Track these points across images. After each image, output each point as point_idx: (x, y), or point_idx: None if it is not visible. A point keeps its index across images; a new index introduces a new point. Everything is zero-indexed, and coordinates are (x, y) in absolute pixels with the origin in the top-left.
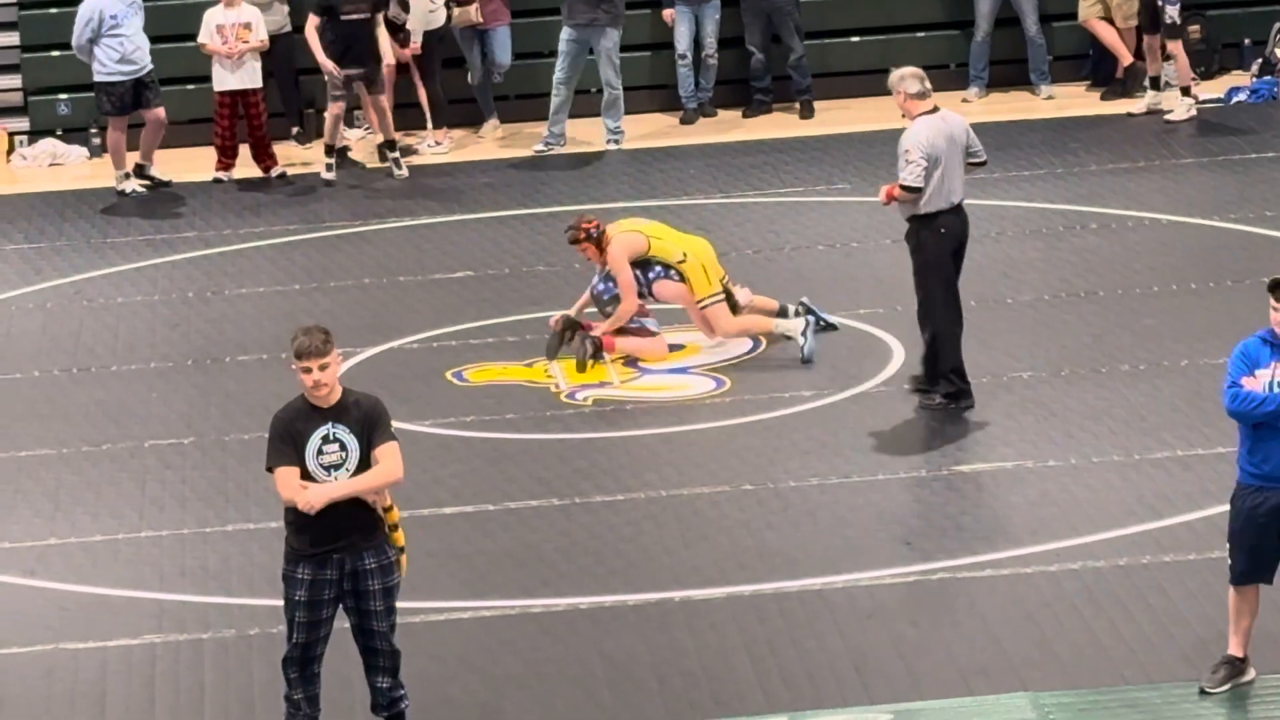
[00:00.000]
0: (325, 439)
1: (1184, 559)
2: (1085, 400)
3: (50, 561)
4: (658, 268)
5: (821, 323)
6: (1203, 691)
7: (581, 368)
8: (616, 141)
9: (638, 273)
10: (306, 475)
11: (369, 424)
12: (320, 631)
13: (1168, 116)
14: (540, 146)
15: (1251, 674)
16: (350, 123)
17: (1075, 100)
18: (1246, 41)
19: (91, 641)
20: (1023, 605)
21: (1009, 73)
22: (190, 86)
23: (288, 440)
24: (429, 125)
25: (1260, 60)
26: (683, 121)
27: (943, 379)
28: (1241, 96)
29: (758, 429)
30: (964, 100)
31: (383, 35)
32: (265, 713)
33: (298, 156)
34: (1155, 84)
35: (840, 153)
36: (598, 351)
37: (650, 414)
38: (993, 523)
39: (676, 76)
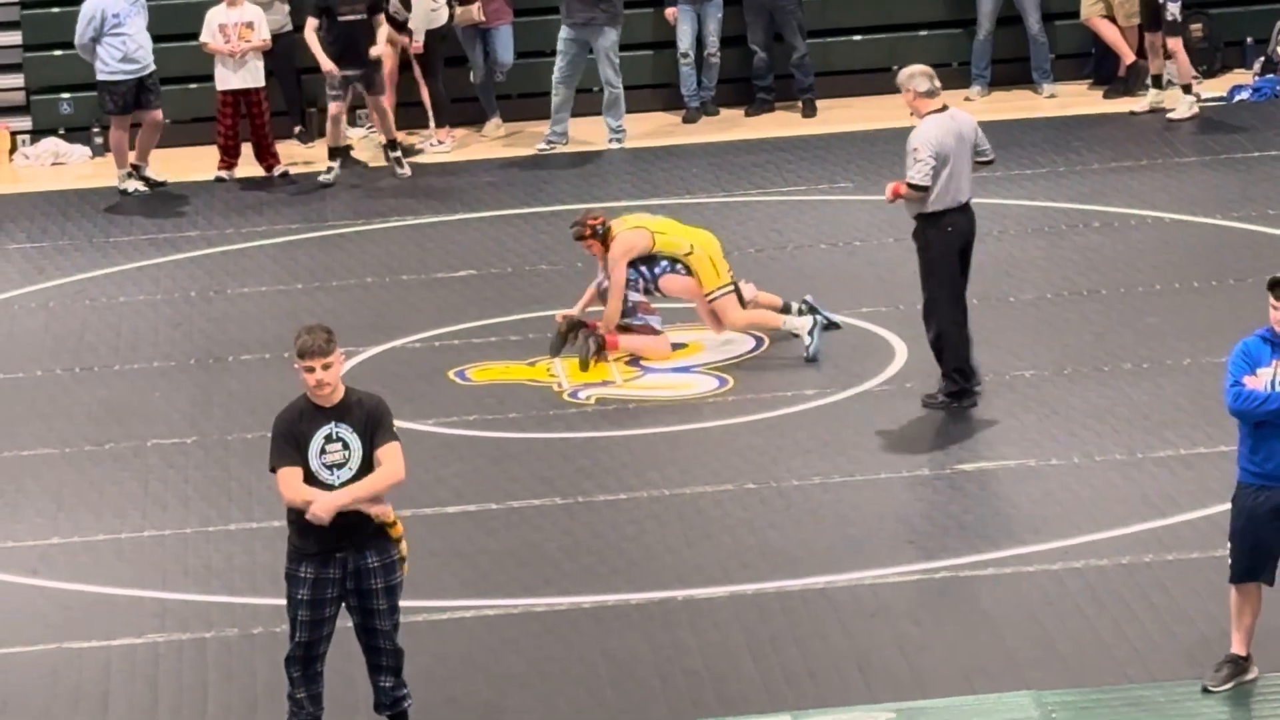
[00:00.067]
0: (328, 438)
1: (1187, 557)
2: (1088, 399)
3: (53, 561)
4: (664, 262)
5: (824, 321)
6: (1206, 690)
7: (584, 366)
8: (619, 140)
9: (644, 269)
10: (309, 475)
11: (372, 423)
12: (323, 630)
13: (1170, 115)
14: (543, 145)
15: (1255, 672)
16: (353, 121)
17: (1077, 99)
18: (1249, 40)
19: (95, 641)
20: (1026, 604)
21: (1011, 71)
22: (192, 86)
23: (290, 441)
24: (431, 124)
25: (1262, 59)
26: (685, 120)
27: (946, 377)
28: (1244, 95)
29: (760, 428)
30: (966, 99)
31: (382, 35)
32: (268, 712)
33: (300, 155)
34: (1157, 82)
35: (843, 151)
36: (601, 349)
37: (653, 413)
38: (996, 521)
39: (679, 75)
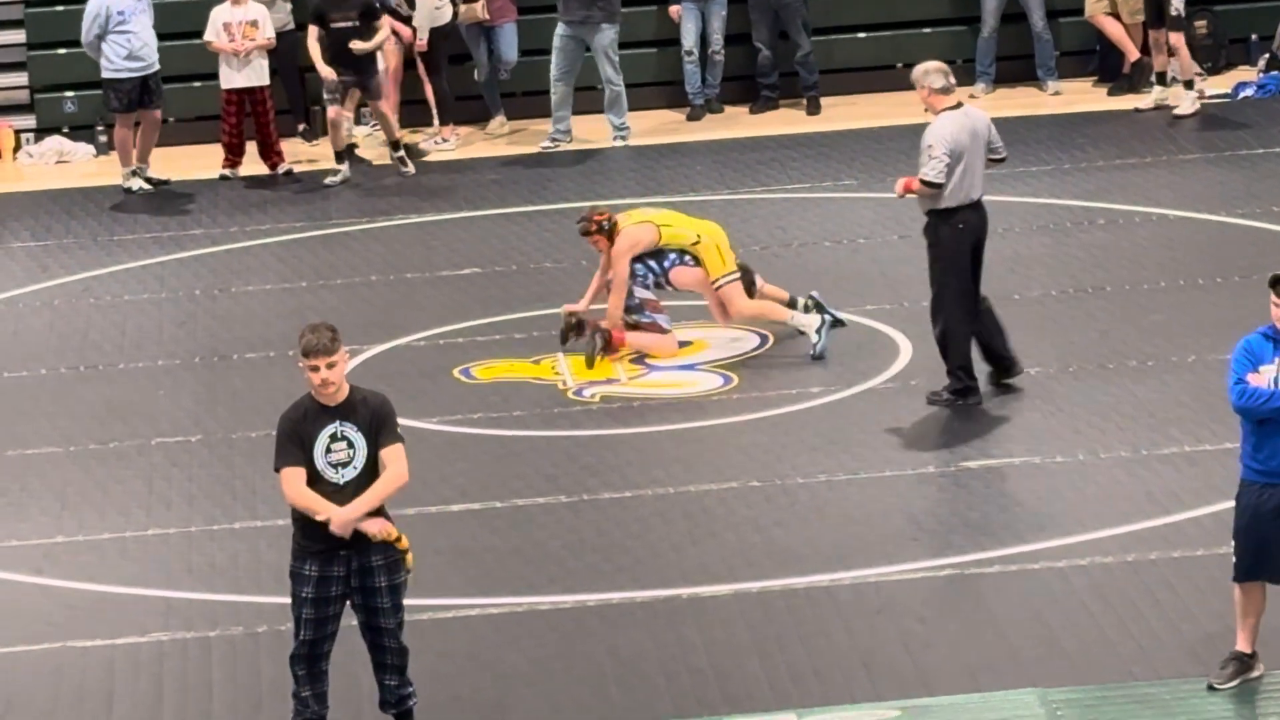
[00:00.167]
0: (333, 437)
1: (1192, 555)
2: (1093, 396)
3: (58, 559)
4: (672, 255)
5: (831, 320)
6: (1211, 687)
7: (590, 363)
8: (623, 138)
9: (652, 263)
10: (315, 474)
11: (376, 422)
12: (328, 629)
13: (1175, 111)
14: (547, 143)
15: (1260, 670)
16: (359, 120)
17: (1082, 96)
18: (1253, 37)
19: (99, 639)
20: (1031, 601)
21: (1016, 68)
22: (197, 84)
23: (294, 440)
24: (435, 122)
25: (1267, 55)
26: (689, 118)
27: (951, 375)
28: (1248, 92)
29: (765, 426)
30: (971, 96)
31: (380, 36)
32: (273, 710)
33: (304, 153)
34: (1162, 79)
35: (847, 148)
36: (607, 346)
37: (658, 411)
38: (1001, 519)
39: (683, 73)
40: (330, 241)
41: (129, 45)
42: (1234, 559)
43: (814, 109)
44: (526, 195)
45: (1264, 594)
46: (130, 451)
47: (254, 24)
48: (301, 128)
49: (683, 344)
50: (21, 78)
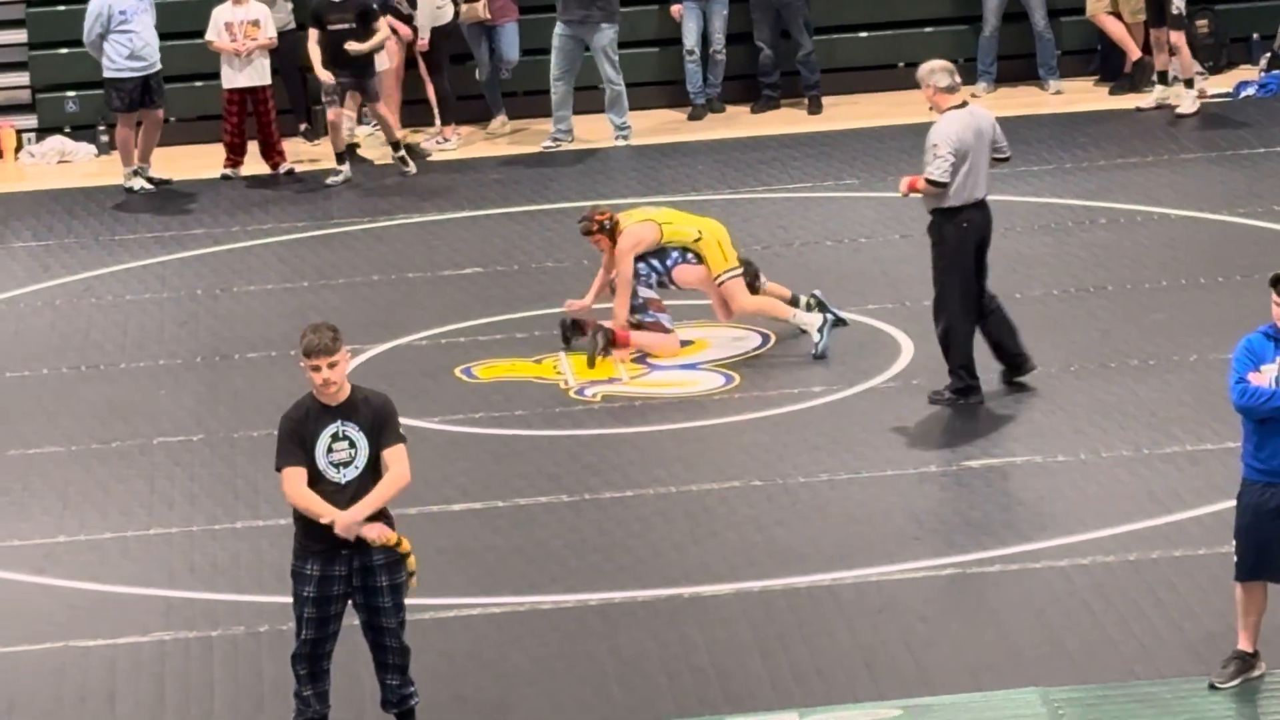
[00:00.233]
0: (335, 436)
1: (1193, 554)
2: (1094, 395)
3: (59, 559)
4: (674, 253)
5: (833, 319)
6: (1212, 686)
7: (592, 362)
8: (624, 137)
9: (655, 262)
10: (316, 473)
11: (378, 422)
12: (329, 628)
13: (1177, 110)
14: (548, 142)
15: (1262, 669)
16: (360, 119)
17: (1083, 95)
18: (1255, 36)
19: (101, 639)
20: (1032, 600)
21: (1017, 68)
22: (198, 84)
23: (296, 440)
24: (437, 121)
25: (1269, 55)
26: (691, 117)
27: (952, 374)
28: (1250, 91)
29: (767, 425)
30: (973, 95)
31: (378, 38)
32: (275, 710)
33: (305, 153)
34: (1163, 78)
35: (848, 148)
36: (610, 345)
37: (659, 410)
38: (1002, 518)
39: (684, 72)
40: (332, 241)
41: (131, 45)
42: (1235, 558)
43: (815, 108)
44: (528, 195)
45: (1265, 593)
46: (132, 451)
47: (256, 24)
48: (303, 127)
49: (684, 343)
50: (23, 77)
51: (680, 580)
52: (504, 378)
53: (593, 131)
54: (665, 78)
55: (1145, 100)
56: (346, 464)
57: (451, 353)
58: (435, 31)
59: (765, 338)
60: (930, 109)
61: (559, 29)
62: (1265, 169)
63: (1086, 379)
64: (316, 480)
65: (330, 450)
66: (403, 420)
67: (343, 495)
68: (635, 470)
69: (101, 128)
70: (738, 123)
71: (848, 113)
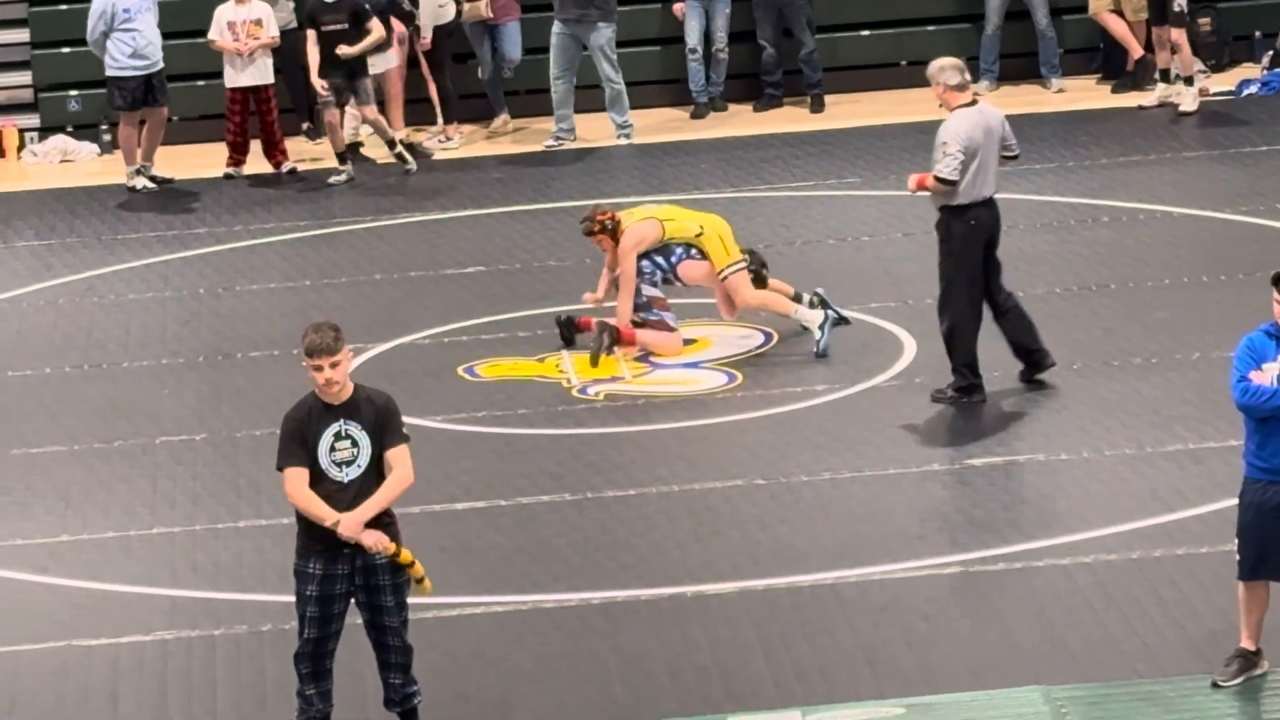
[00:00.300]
0: (337, 436)
1: (1196, 552)
2: (1097, 393)
3: (62, 558)
4: (678, 250)
5: (835, 317)
6: (1215, 685)
7: (596, 360)
8: (626, 136)
9: (659, 259)
10: (318, 473)
11: (381, 421)
12: (332, 627)
13: (1179, 108)
14: (550, 141)
15: (1264, 667)
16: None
17: (1086, 93)
18: (1257, 34)
19: (104, 638)
20: (1035, 599)
21: (1019, 66)
22: (201, 83)
23: (298, 439)
24: (439, 120)
25: (1271, 53)
26: (693, 116)
27: (955, 372)
28: (1252, 89)
29: (769, 423)
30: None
31: (372, 39)
32: (278, 708)
33: (308, 152)
34: (1165, 76)
35: (851, 146)
36: (614, 344)
37: (662, 409)
38: (1005, 516)
39: (687, 70)
40: (334, 240)
41: (134, 44)
42: (1238, 557)
43: (818, 107)
44: (530, 193)
45: (1268, 591)
46: (135, 450)
47: (258, 23)
48: (305, 126)
49: (687, 342)
50: (25, 77)
51: (683, 579)
52: (506, 376)
53: (595, 130)
54: (667, 76)
55: (1147, 98)
56: (349, 463)
57: (454, 351)
58: (438, 30)
59: (768, 336)
60: (940, 106)
61: (557, 28)
62: (1267, 167)
63: (1089, 377)
64: (319, 479)
65: (333, 449)
66: (405, 419)
67: (345, 494)
68: (638, 469)
69: (104, 127)
70: (740, 121)
71: (850, 111)
